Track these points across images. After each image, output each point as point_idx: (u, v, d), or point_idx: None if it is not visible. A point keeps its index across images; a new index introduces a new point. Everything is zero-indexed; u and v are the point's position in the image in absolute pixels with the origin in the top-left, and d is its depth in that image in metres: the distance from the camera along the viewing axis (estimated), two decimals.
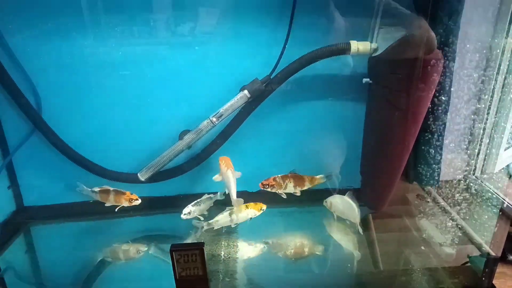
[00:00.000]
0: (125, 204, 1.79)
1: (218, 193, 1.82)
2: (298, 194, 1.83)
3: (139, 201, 1.81)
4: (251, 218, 1.76)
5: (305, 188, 1.83)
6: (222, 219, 1.69)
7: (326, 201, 1.85)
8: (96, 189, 1.82)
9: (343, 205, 1.77)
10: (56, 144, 1.84)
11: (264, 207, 1.78)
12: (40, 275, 1.74)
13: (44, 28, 1.69)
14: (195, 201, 1.76)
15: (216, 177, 1.71)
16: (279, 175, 1.80)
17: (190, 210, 1.73)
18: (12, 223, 1.92)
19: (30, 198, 1.99)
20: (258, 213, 1.76)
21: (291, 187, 1.80)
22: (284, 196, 1.81)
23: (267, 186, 1.79)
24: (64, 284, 1.63)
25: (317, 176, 1.87)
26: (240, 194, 1.78)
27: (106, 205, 1.81)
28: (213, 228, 1.69)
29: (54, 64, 1.76)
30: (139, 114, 1.86)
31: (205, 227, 1.68)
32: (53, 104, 1.82)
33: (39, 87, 1.79)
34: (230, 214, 1.70)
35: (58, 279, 1.66)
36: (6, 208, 1.93)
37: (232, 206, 1.68)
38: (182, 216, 1.71)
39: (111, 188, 1.82)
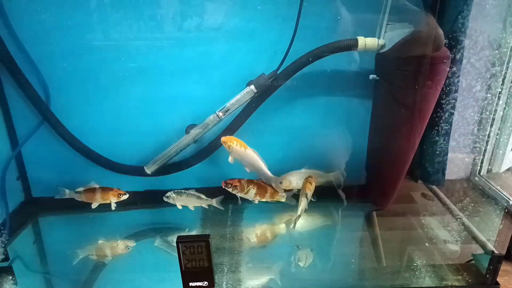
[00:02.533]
0: (113, 200, 1.78)
1: (214, 200, 1.78)
2: (256, 202, 1.77)
3: (127, 195, 1.81)
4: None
5: (264, 200, 1.77)
6: (303, 205, 1.69)
7: (281, 182, 1.78)
8: (80, 189, 1.76)
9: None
10: (64, 136, 1.86)
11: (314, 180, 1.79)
12: (47, 265, 1.77)
13: (54, 19, 1.71)
14: (179, 190, 1.77)
15: (231, 159, 1.66)
16: (244, 179, 1.76)
17: (169, 195, 1.77)
18: (21, 213, 1.95)
19: (38, 189, 2.02)
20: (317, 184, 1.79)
21: (252, 194, 1.75)
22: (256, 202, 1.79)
23: (229, 186, 1.73)
24: (70, 274, 1.65)
25: (280, 193, 1.78)
26: None
27: (92, 206, 1.77)
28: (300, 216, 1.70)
29: (63, 57, 1.77)
30: (146, 108, 1.88)
31: (298, 220, 1.68)
32: (61, 96, 1.84)
33: (48, 79, 1.81)
34: (307, 197, 1.70)
35: (65, 269, 1.68)
36: (15, 199, 1.95)
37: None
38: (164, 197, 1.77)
39: (98, 186, 1.78)
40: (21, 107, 1.84)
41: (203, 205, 1.79)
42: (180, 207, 1.78)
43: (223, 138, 1.69)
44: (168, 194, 1.77)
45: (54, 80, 1.82)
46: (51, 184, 1.97)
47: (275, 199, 1.77)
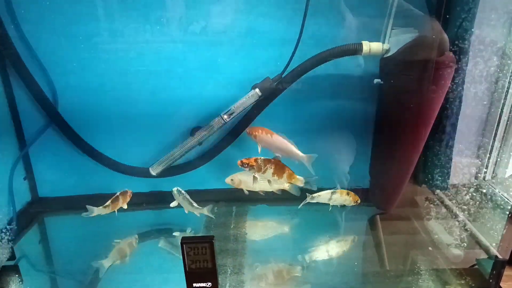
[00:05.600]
0: (128, 200, 1.81)
1: (205, 208, 1.75)
2: (262, 194, 1.73)
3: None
4: (344, 206, 1.76)
5: (281, 179, 1.68)
6: (323, 195, 1.69)
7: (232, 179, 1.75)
8: (108, 203, 1.76)
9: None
10: (71, 137, 1.89)
11: (359, 201, 1.77)
12: (52, 264, 1.79)
13: (62, 22, 1.73)
14: (181, 190, 1.75)
15: (260, 149, 1.65)
16: (261, 157, 1.65)
17: (173, 190, 1.74)
18: (27, 213, 1.97)
19: (45, 189, 2.04)
20: (351, 203, 1.76)
21: (269, 174, 1.66)
22: (262, 194, 1.77)
23: (246, 165, 1.63)
24: (75, 273, 1.67)
25: (297, 176, 1.71)
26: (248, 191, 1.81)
27: (116, 213, 1.78)
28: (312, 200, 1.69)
29: (71, 58, 1.79)
30: (152, 110, 1.89)
31: (308, 200, 1.70)
32: (69, 98, 1.87)
33: (55, 81, 1.83)
34: (332, 194, 1.70)
35: (70, 268, 1.70)
36: (21, 199, 1.97)
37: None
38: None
39: (118, 192, 1.79)
40: (29, 108, 1.86)
41: (195, 213, 1.76)
42: (173, 205, 1.77)
43: (247, 130, 1.67)
44: (174, 189, 1.76)
45: (61, 82, 1.84)
46: (57, 184, 2.00)
47: (292, 181, 1.71)
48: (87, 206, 1.70)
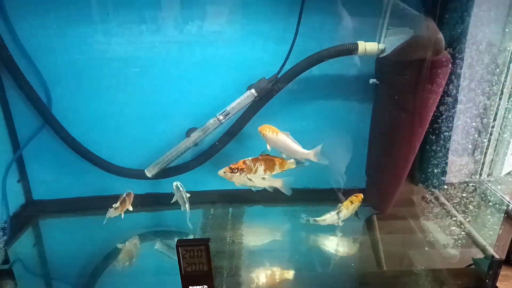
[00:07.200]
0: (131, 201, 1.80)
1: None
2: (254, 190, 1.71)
3: None
4: (356, 211, 1.76)
5: (274, 172, 1.68)
6: (329, 218, 1.69)
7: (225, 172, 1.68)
8: (116, 204, 1.73)
9: None
10: (65, 139, 1.87)
11: (362, 196, 1.77)
12: (47, 267, 1.77)
13: (56, 23, 1.72)
14: (180, 187, 1.74)
15: (269, 147, 1.64)
16: (249, 158, 1.64)
17: (174, 184, 1.74)
18: (21, 216, 1.95)
19: (39, 191, 2.03)
20: (359, 205, 1.76)
21: (261, 171, 1.64)
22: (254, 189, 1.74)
23: (235, 171, 1.61)
24: (70, 277, 1.66)
25: (288, 161, 1.68)
26: (244, 192, 1.80)
27: (122, 216, 1.77)
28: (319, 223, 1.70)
29: (65, 60, 1.78)
30: (147, 111, 1.88)
31: (311, 221, 1.70)
32: (62, 99, 1.85)
33: (49, 82, 1.82)
34: (338, 213, 1.69)
35: (65, 272, 1.69)
36: (15, 201, 1.96)
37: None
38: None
39: (124, 194, 1.77)
40: (23, 110, 1.85)
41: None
42: (173, 201, 1.76)
43: (259, 128, 1.65)
44: (174, 184, 1.75)
45: (55, 83, 1.82)
46: (52, 186, 1.99)
47: (286, 168, 1.69)
48: (109, 209, 1.70)
